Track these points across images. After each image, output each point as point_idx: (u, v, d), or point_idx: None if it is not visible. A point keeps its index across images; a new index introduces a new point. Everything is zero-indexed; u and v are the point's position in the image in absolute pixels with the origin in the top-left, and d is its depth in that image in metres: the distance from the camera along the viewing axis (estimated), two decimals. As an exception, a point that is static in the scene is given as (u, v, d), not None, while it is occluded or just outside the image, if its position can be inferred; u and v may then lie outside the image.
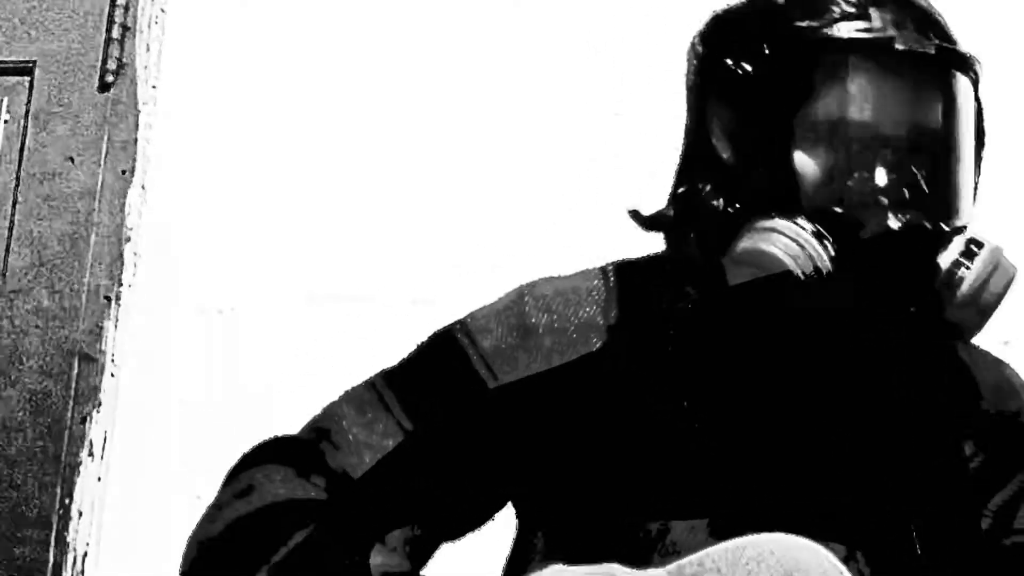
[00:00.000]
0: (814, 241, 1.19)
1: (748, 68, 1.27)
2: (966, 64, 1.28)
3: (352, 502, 1.20)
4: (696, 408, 1.22)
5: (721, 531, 1.15)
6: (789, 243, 1.19)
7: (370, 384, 1.29)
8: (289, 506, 1.16)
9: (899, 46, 1.24)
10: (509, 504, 1.31)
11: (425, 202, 2.28)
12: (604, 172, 2.21)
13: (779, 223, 1.21)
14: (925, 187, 1.23)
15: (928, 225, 1.20)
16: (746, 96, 1.27)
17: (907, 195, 1.21)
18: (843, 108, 1.24)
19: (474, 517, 1.28)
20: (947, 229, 1.23)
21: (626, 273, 1.29)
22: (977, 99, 1.31)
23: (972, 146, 1.30)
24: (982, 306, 1.23)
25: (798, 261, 1.19)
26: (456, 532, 1.28)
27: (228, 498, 1.21)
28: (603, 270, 1.31)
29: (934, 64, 1.25)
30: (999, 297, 1.24)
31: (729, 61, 1.29)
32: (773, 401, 1.23)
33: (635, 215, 1.34)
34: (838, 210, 1.21)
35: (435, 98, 2.31)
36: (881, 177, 1.22)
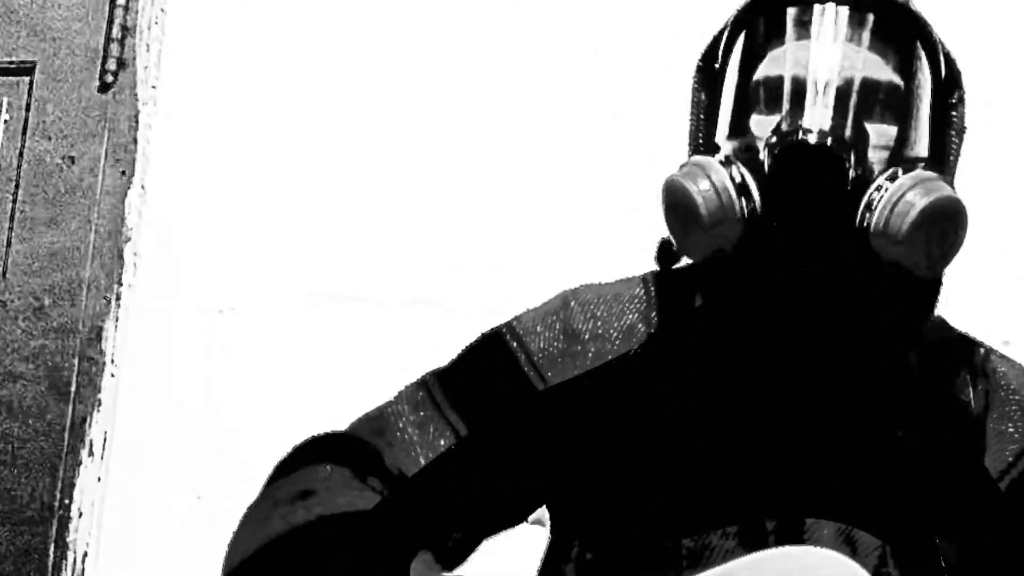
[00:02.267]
0: (730, 185, 1.20)
1: (714, 53, 1.32)
2: (889, 6, 1.26)
3: (405, 505, 1.22)
4: (712, 415, 1.23)
5: (752, 540, 1.15)
6: (706, 184, 1.20)
7: (422, 383, 1.31)
8: (348, 520, 1.17)
9: None
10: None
11: (425, 202, 2.28)
12: (604, 172, 2.21)
13: (703, 160, 1.24)
14: (843, 122, 1.21)
15: (840, 150, 1.18)
16: (711, 79, 1.32)
17: (822, 125, 1.19)
18: (764, 62, 1.26)
19: (512, 516, 1.31)
20: (872, 161, 1.21)
21: (665, 281, 1.31)
22: (930, 46, 1.28)
23: (909, 92, 1.26)
24: (891, 231, 1.18)
25: (706, 196, 1.20)
26: (496, 530, 1.30)
27: (286, 497, 1.21)
28: (644, 279, 1.34)
29: (852, 8, 1.24)
30: (915, 223, 1.17)
31: (703, 56, 1.34)
32: (792, 404, 1.23)
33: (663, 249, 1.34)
34: (754, 143, 1.23)
35: (435, 98, 2.31)
36: (799, 112, 1.21)
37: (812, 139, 1.18)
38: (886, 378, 1.25)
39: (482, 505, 1.27)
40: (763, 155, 1.21)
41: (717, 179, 1.21)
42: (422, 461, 1.25)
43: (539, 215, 2.23)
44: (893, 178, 1.20)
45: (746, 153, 1.24)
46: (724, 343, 1.26)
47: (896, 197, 1.18)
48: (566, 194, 2.23)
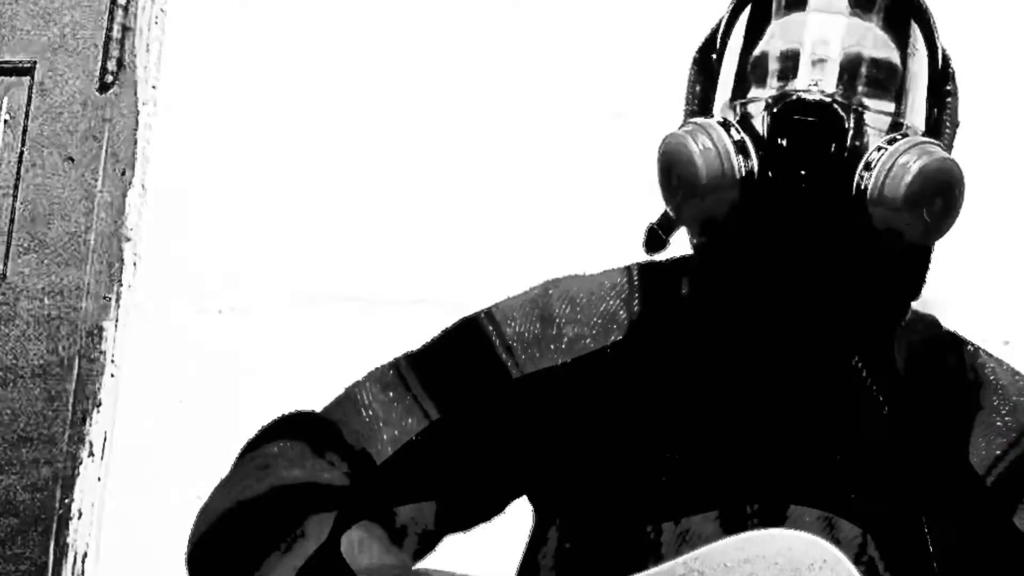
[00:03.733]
0: (729, 144, 1.19)
1: (712, 42, 1.32)
2: None
3: (367, 484, 1.20)
4: (695, 402, 1.23)
5: (734, 525, 1.15)
6: (707, 142, 1.19)
7: (393, 364, 1.30)
8: (299, 490, 1.16)
9: None
10: (522, 498, 1.31)
11: (425, 202, 2.28)
12: (604, 172, 2.21)
13: (703, 120, 1.23)
14: (843, 91, 1.20)
15: (840, 110, 1.17)
16: (709, 66, 1.32)
17: (822, 88, 1.19)
18: (764, 39, 1.26)
19: (487, 507, 1.29)
20: (869, 130, 1.20)
21: (650, 271, 1.31)
22: (928, 32, 1.28)
23: (907, 70, 1.26)
24: (888, 193, 1.17)
25: (706, 155, 1.19)
26: (468, 522, 1.28)
27: (242, 474, 1.21)
28: (627, 268, 1.33)
29: None
30: (912, 183, 1.17)
31: (700, 47, 1.34)
32: (776, 391, 1.23)
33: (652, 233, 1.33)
34: (755, 105, 1.22)
35: (435, 98, 2.31)
36: (799, 79, 1.21)
37: (811, 97, 1.18)
38: (872, 371, 1.24)
39: (451, 489, 1.25)
40: (761, 116, 1.20)
41: (717, 137, 1.20)
42: (387, 439, 1.23)
43: (539, 215, 2.23)
44: (892, 141, 1.19)
45: (744, 117, 1.23)
46: (709, 330, 1.25)
47: (894, 159, 1.17)
48: (566, 194, 2.22)
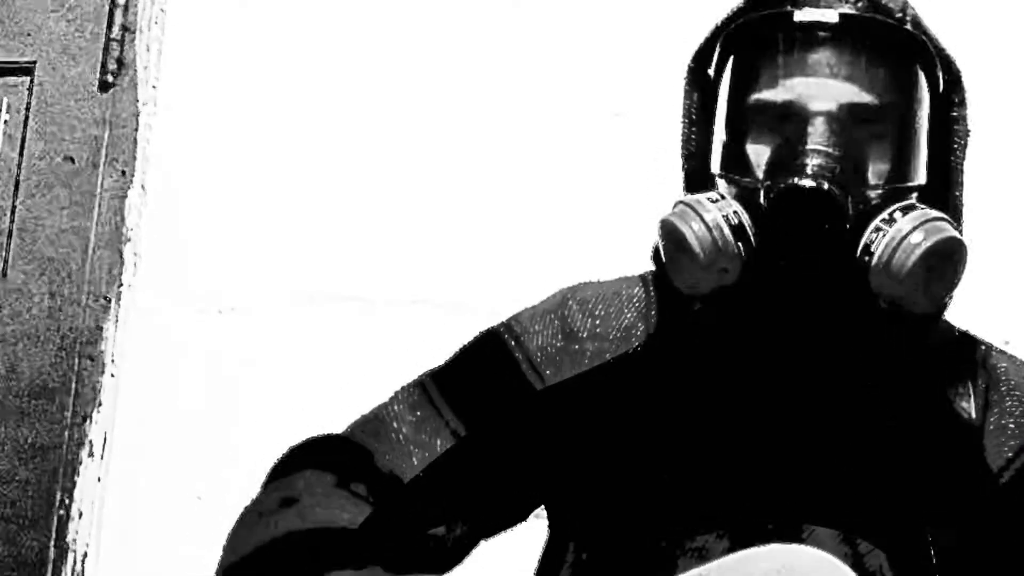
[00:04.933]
0: (724, 224, 1.18)
1: (706, 55, 1.30)
2: (885, 28, 1.23)
3: (395, 509, 1.21)
4: (710, 418, 1.23)
5: (748, 543, 1.15)
6: (699, 224, 1.18)
7: (419, 383, 1.30)
8: (315, 539, 1.16)
9: (798, 18, 1.21)
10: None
11: (425, 202, 2.28)
12: (604, 172, 2.21)
13: (692, 198, 1.21)
14: (840, 155, 1.17)
15: (838, 191, 1.15)
16: (703, 81, 1.30)
17: (819, 163, 1.17)
18: (757, 88, 1.23)
19: (511, 516, 1.30)
20: (870, 196, 1.19)
21: (664, 282, 1.29)
22: (928, 61, 1.25)
23: (907, 113, 1.23)
24: (894, 270, 1.16)
25: (699, 236, 1.18)
26: (494, 531, 1.29)
27: (270, 506, 1.21)
28: (643, 277, 1.33)
29: (844, 32, 1.21)
30: (918, 263, 1.15)
31: (694, 58, 1.32)
32: (790, 409, 1.22)
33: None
34: (750, 180, 1.20)
35: (435, 98, 2.31)
36: (795, 148, 1.18)
37: (808, 183, 1.16)
38: (885, 384, 1.24)
39: (481, 505, 1.26)
40: (760, 196, 1.19)
41: (710, 219, 1.19)
42: (416, 463, 1.24)
43: (539, 215, 2.23)
44: (891, 221, 1.17)
45: (742, 192, 1.21)
46: (722, 347, 1.25)
47: (896, 241, 1.16)
48: (566, 194, 2.23)
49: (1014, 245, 2.06)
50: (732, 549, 1.14)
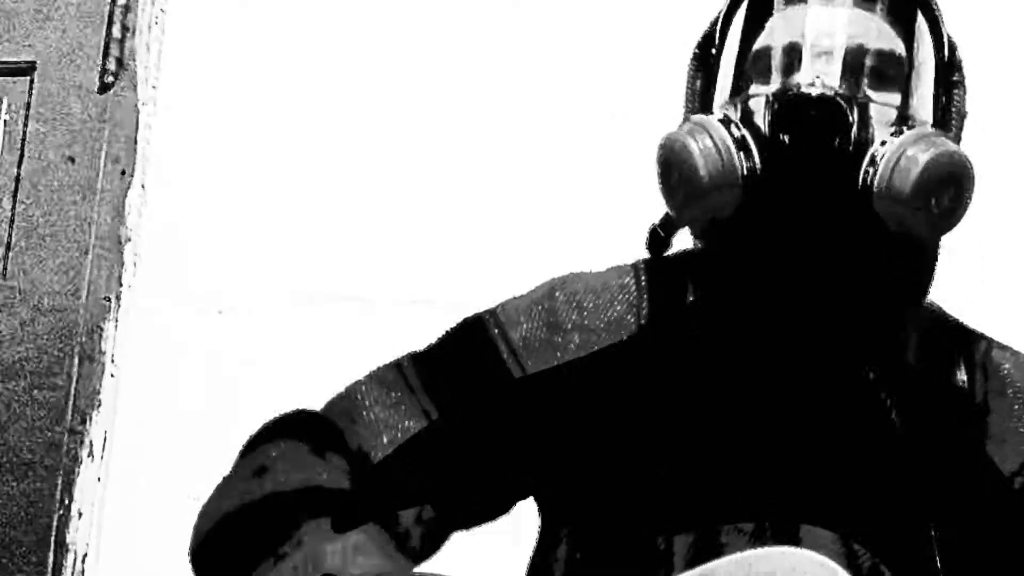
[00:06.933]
0: (731, 142, 1.16)
1: (711, 37, 1.30)
2: None
3: (366, 487, 1.19)
4: (703, 413, 1.21)
5: (742, 541, 1.14)
6: (707, 141, 1.17)
7: (396, 365, 1.29)
8: (297, 496, 1.15)
9: None
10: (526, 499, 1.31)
11: (425, 202, 2.28)
12: (604, 172, 2.21)
13: (703, 118, 1.20)
14: (846, 94, 1.17)
15: (843, 103, 1.14)
16: (708, 62, 1.29)
17: (826, 83, 1.16)
18: (765, 33, 1.23)
19: (490, 508, 1.28)
20: (872, 122, 1.17)
21: (656, 271, 1.28)
22: (936, 30, 1.26)
23: (914, 61, 1.23)
24: (895, 188, 1.14)
25: (707, 154, 1.17)
26: (471, 521, 1.27)
27: (242, 475, 1.20)
28: (635, 267, 1.31)
29: None
30: (919, 178, 1.14)
31: (699, 43, 1.32)
32: (787, 403, 1.21)
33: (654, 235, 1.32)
34: (759, 104, 1.19)
35: (434, 98, 2.31)
36: (802, 77, 1.18)
37: (814, 91, 1.15)
38: (884, 371, 1.22)
39: (450, 490, 1.23)
40: (763, 113, 1.17)
41: (717, 136, 1.17)
42: (386, 441, 1.22)
43: (539, 215, 2.23)
44: (898, 133, 1.16)
45: (745, 114, 1.20)
46: (717, 340, 1.24)
47: (901, 151, 1.15)
48: (566, 194, 2.22)
49: (1014, 245, 2.06)
50: (727, 548, 1.13)
